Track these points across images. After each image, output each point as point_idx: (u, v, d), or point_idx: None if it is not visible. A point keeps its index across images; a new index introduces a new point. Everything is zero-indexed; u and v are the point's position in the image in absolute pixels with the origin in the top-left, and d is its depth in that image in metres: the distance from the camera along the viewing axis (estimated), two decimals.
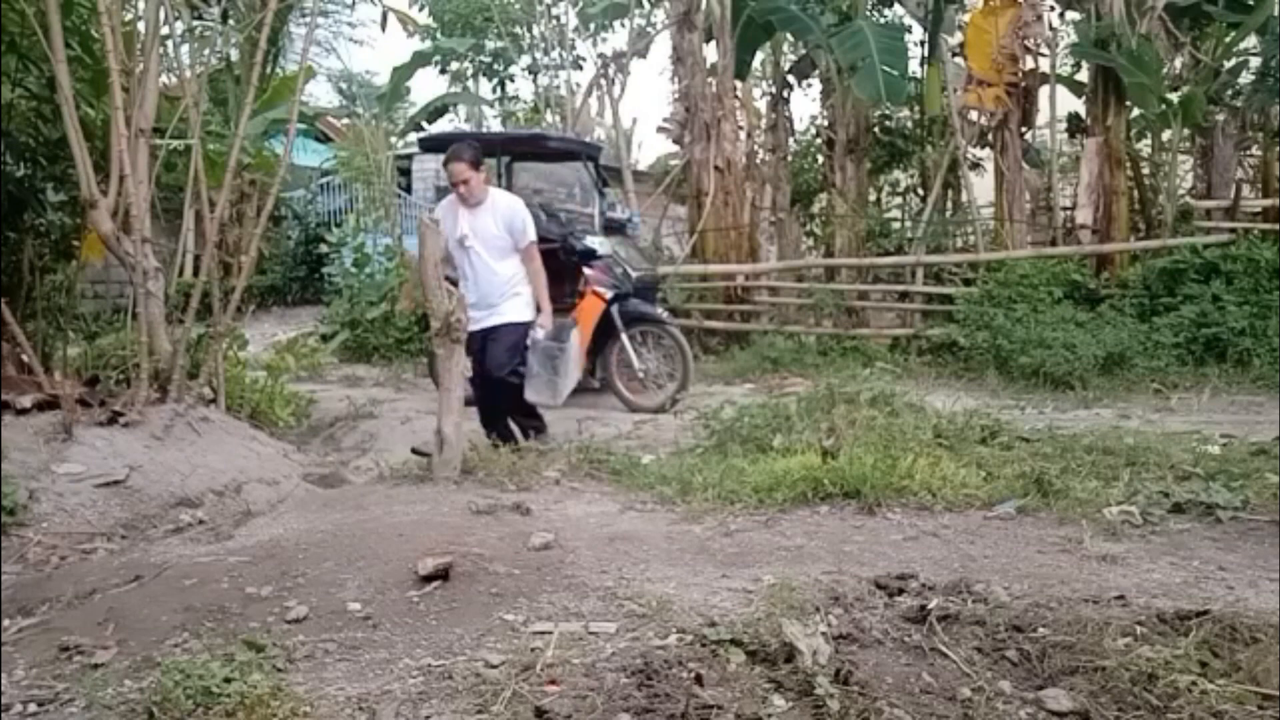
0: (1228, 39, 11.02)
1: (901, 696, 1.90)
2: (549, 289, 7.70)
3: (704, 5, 10.52)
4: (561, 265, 7.31)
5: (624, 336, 6.85)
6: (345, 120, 16.94)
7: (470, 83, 15.32)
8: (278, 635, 2.26)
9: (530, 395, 5.07)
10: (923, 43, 11.56)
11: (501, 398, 5.08)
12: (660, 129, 11.87)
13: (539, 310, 5.10)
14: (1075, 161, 11.67)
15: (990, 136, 10.59)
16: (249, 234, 5.74)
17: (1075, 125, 11.26)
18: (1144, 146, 12.44)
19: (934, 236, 10.86)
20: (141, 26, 5.05)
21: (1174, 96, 10.20)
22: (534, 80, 15.00)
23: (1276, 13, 9.78)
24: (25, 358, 4.60)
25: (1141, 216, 11.13)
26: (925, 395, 5.58)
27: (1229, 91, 11.38)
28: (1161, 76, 9.90)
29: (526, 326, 5.04)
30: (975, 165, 11.82)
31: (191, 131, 4.89)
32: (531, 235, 5.10)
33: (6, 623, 2.48)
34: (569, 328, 5.43)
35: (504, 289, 4.98)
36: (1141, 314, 8.21)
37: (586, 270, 6.99)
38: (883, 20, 12.11)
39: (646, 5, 13.62)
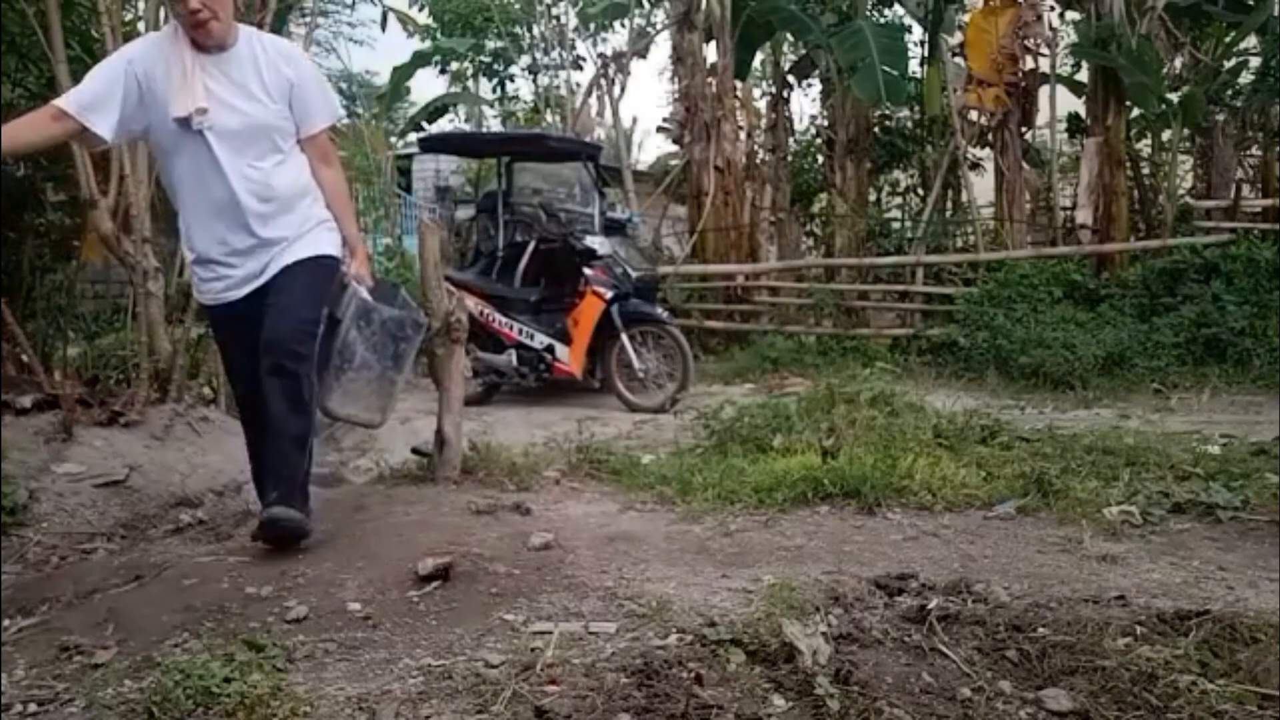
0: (1228, 39, 11.03)
1: (901, 696, 1.90)
2: (548, 289, 7.83)
3: (704, 5, 10.52)
4: (561, 265, 7.32)
5: (624, 336, 6.85)
6: (345, 120, 16.93)
7: (470, 83, 15.32)
8: (278, 635, 2.26)
9: (337, 404, 3.08)
10: (923, 43, 11.57)
11: (290, 408, 2.85)
12: (660, 129, 11.89)
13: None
14: (1075, 161, 11.67)
15: (990, 136, 10.59)
16: None
17: (1075, 125, 11.26)
18: (1144, 146, 12.44)
19: (934, 236, 10.87)
20: (142, 27, 5.05)
21: (1174, 96, 10.21)
22: (534, 80, 15.00)
23: (1276, 13, 9.79)
24: (25, 358, 4.60)
25: (1141, 216, 11.13)
26: (925, 395, 5.58)
27: (1229, 91, 11.38)
28: (1161, 76, 9.90)
29: (334, 267, 3.01)
30: (975, 165, 11.82)
31: None
32: (335, 111, 3.10)
33: (6, 623, 2.48)
34: (394, 290, 3.45)
35: (284, 215, 2.90)
36: (1141, 314, 8.21)
37: (586, 270, 6.99)
38: (883, 20, 12.11)
39: (646, 5, 13.61)
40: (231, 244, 2.89)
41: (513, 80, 15.36)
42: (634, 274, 7.15)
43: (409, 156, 15.41)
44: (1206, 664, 1.99)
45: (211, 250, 2.92)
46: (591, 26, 14.34)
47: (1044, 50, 10.37)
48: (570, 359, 7.01)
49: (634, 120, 21.04)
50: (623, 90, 13.01)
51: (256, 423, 3.04)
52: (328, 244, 3.01)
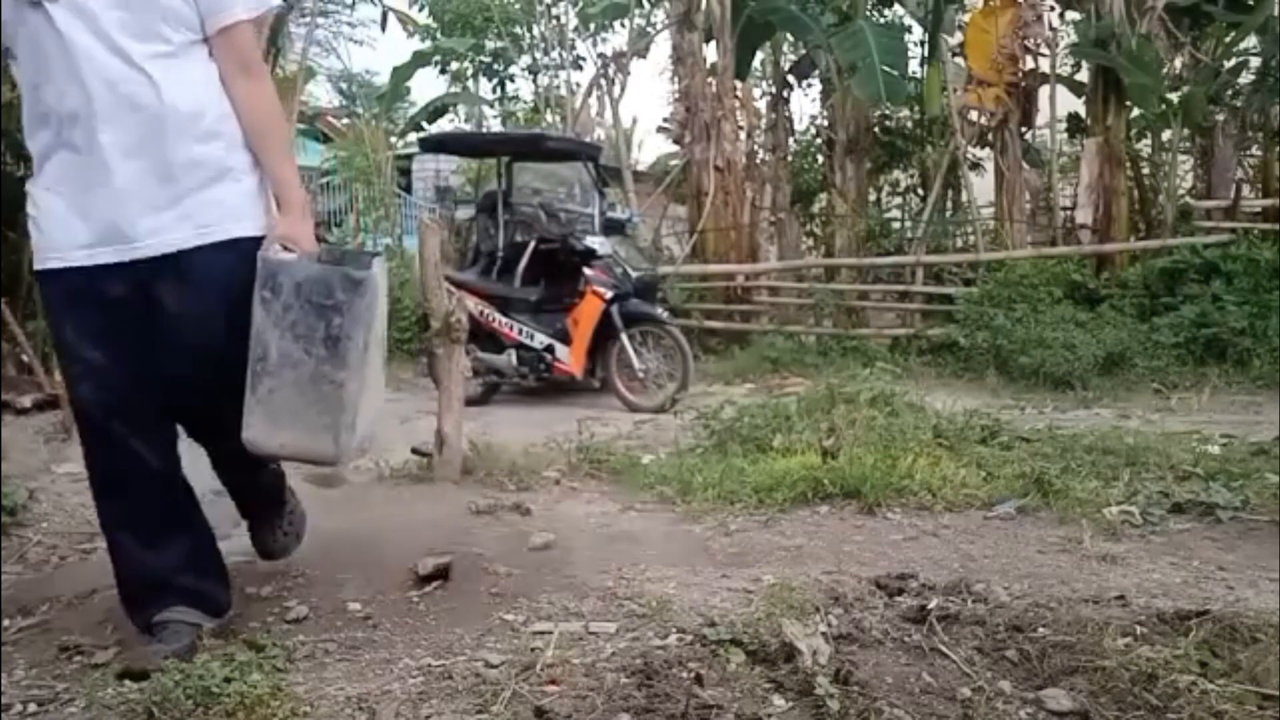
0: (1228, 39, 11.02)
1: (901, 696, 1.90)
2: (548, 289, 7.85)
3: (704, 5, 10.52)
4: (561, 265, 7.32)
5: (624, 336, 6.85)
6: (345, 120, 16.94)
7: (470, 83, 15.30)
8: (278, 635, 2.26)
9: (262, 432, 2.11)
10: (923, 43, 11.56)
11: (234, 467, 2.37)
12: (660, 129, 11.88)
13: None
14: (1075, 161, 11.67)
15: (990, 136, 10.58)
16: None
17: (1075, 125, 11.26)
18: (1144, 146, 12.44)
19: (934, 236, 10.86)
20: None
21: (1174, 96, 10.20)
22: (534, 80, 14.99)
23: (1276, 13, 9.78)
24: (25, 358, 4.60)
25: (1141, 216, 11.13)
26: (925, 395, 5.57)
27: (1229, 91, 11.37)
28: (1161, 76, 9.90)
29: (252, 253, 2.10)
30: (975, 165, 11.81)
31: None
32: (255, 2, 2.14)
33: (6, 623, 2.48)
34: (365, 259, 2.28)
35: (169, 142, 2.02)
36: (1141, 314, 8.21)
37: (586, 270, 7.00)
38: (883, 20, 12.10)
39: (646, 5, 13.61)
40: (83, 178, 2.00)
41: (513, 80, 15.36)
42: (634, 274, 7.16)
43: (409, 156, 15.40)
44: (1206, 664, 1.98)
45: (59, 185, 2.03)
46: (591, 26, 14.33)
47: (1044, 50, 10.37)
48: (570, 359, 7.01)
49: (634, 120, 20.99)
50: (623, 90, 13.03)
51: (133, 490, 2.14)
52: (249, 214, 2.14)
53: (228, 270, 2.10)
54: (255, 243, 2.14)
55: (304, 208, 2.23)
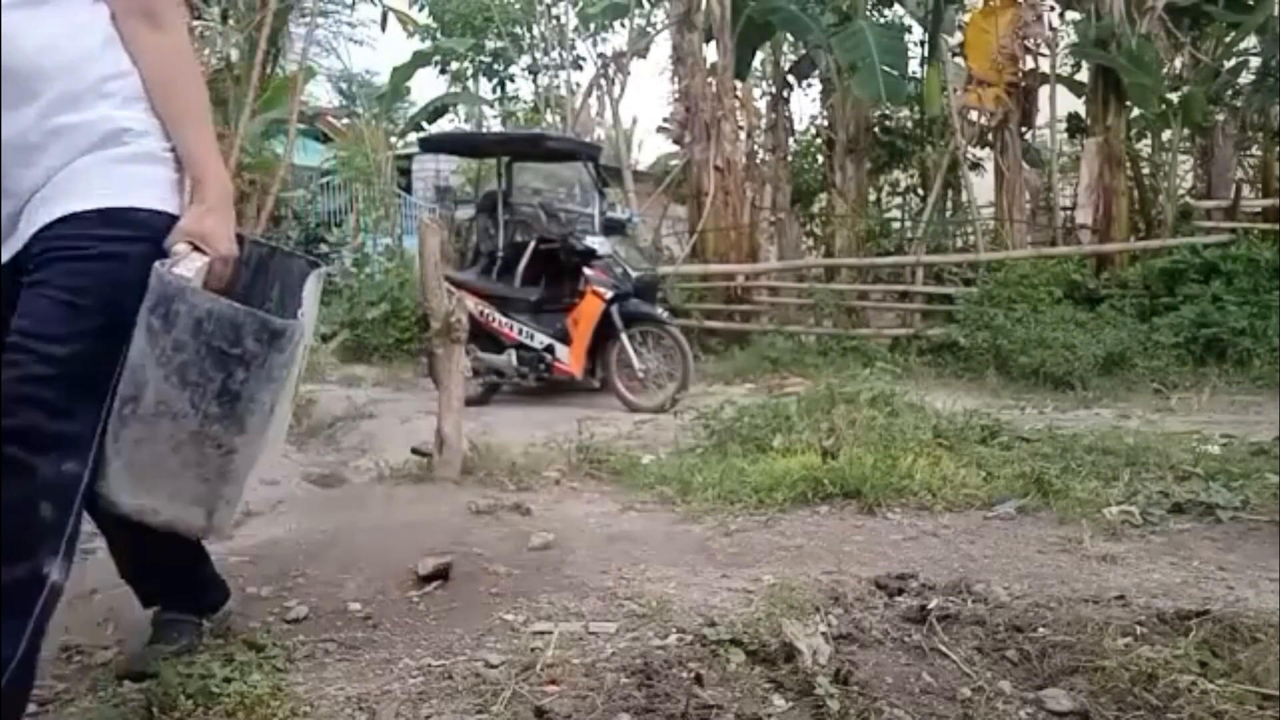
0: (1228, 39, 11.03)
1: (901, 696, 1.90)
2: (548, 289, 7.86)
3: (704, 5, 10.53)
4: (561, 265, 7.33)
5: (624, 336, 6.85)
6: (345, 120, 16.95)
7: (470, 83, 15.32)
8: (278, 635, 2.26)
9: (119, 486, 1.66)
10: (923, 43, 11.57)
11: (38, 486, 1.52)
12: (660, 129, 11.89)
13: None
14: (1075, 161, 11.68)
15: (990, 136, 10.60)
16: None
17: (1075, 125, 11.27)
18: (1144, 146, 12.45)
19: (934, 236, 10.88)
20: None
21: (1174, 96, 10.21)
22: (534, 80, 15.01)
23: (1276, 13, 9.79)
24: None
25: (1141, 216, 11.14)
26: (925, 395, 5.57)
27: (1229, 91, 11.38)
28: (1161, 76, 9.91)
29: (147, 236, 1.63)
30: (975, 165, 11.83)
31: None
32: None
33: None
34: (301, 266, 1.95)
35: (50, 117, 1.57)
36: (1141, 314, 8.23)
37: (586, 270, 7.00)
38: (883, 20, 12.13)
39: (646, 5, 13.62)
40: None
41: (513, 80, 15.38)
42: (634, 274, 7.16)
43: (409, 156, 15.41)
44: (1206, 664, 1.98)
45: None
46: (591, 26, 14.34)
47: (1044, 50, 10.39)
48: (570, 359, 7.01)
49: (634, 120, 21.05)
50: (623, 90, 13.04)
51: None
52: (151, 183, 1.68)
53: (110, 243, 1.59)
54: (158, 219, 1.66)
55: (223, 195, 1.73)
